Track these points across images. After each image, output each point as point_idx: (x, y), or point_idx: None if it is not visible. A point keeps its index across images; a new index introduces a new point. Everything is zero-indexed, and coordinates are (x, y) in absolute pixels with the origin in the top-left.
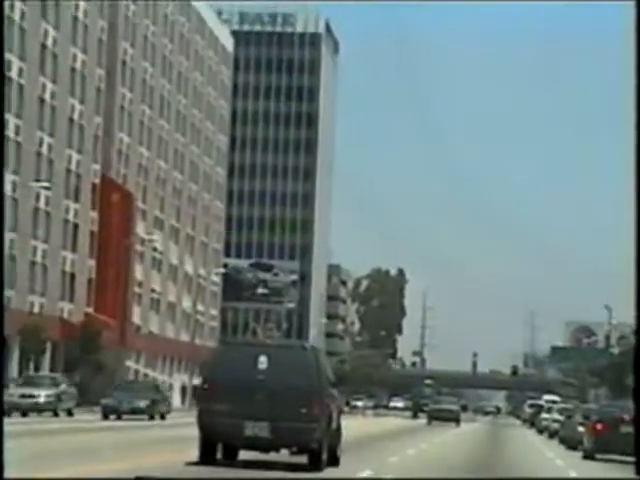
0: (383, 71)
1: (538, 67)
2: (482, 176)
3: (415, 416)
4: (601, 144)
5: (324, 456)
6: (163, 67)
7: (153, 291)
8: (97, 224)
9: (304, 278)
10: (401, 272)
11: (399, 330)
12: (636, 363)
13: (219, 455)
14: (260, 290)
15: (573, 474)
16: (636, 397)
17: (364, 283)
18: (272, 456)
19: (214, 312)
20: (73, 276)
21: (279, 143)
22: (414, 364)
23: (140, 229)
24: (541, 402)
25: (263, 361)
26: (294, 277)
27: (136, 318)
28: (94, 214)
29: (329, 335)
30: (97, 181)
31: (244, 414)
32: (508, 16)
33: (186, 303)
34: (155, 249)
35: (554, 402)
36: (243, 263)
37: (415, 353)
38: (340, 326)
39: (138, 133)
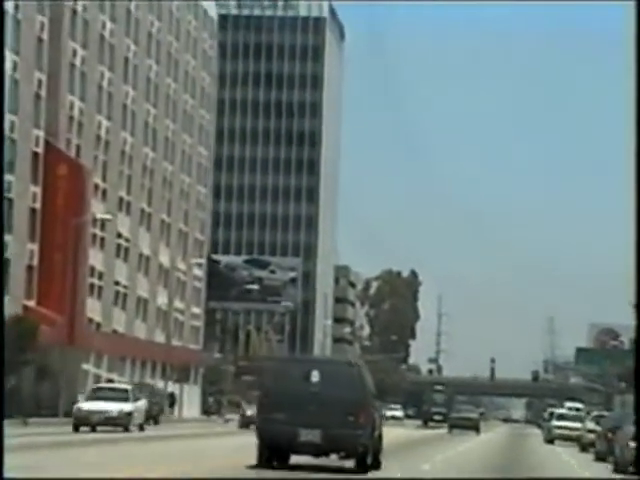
0: (392, 59)
1: (538, 67)
2: (497, 179)
3: (425, 424)
4: (603, 144)
5: (369, 460)
6: (127, 24)
7: (117, 284)
8: (40, 201)
9: (308, 278)
10: (414, 274)
11: (412, 335)
12: (636, 363)
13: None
14: (249, 287)
15: None
16: (636, 399)
17: (374, 285)
18: (322, 460)
19: (197, 310)
20: (7, 262)
21: (281, 135)
22: (430, 371)
23: (99, 211)
24: (562, 410)
25: (315, 375)
26: (293, 275)
27: (96, 314)
28: (36, 189)
29: (337, 340)
30: (40, 150)
31: (299, 422)
32: (508, 16)
33: (161, 299)
34: (120, 235)
35: (577, 410)
36: (237, 259)
37: (431, 360)
38: (348, 330)
39: (95, 98)
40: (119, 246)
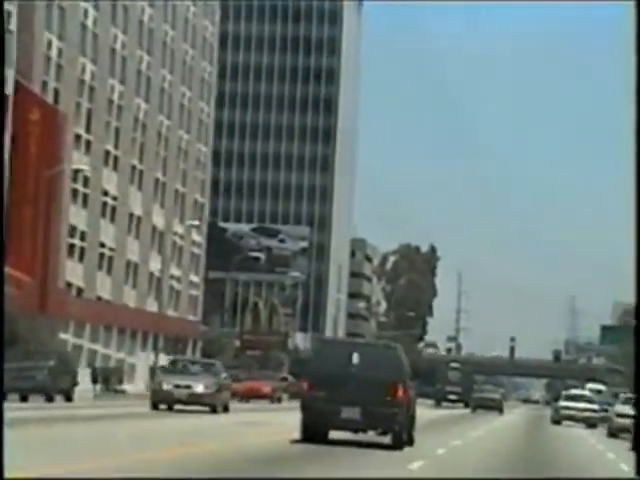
0: (410, 26)
1: (538, 67)
2: (523, 156)
3: (438, 404)
4: (602, 144)
5: (404, 437)
6: None
7: (103, 246)
8: (8, 149)
9: (322, 251)
10: (433, 249)
11: (429, 312)
12: (637, 362)
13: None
14: (254, 254)
15: None
16: (637, 396)
17: (391, 260)
18: (360, 436)
19: (195, 278)
20: None
21: (296, 101)
22: (449, 350)
23: (81, 164)
24: (580, 391)
25: (356, 357)
26: (304, 244)
27: (76, 279)
28: (4, 136)
29: (352, 316)
30: (8, 92)
31: (340, 400)
32: (508, 16)
33: (154, 265)
34: (106, 193)
35: (599, 392)
36: (244, 227)
37: (450, 339)
38: (363, 305)
39: (78, 38)
40: (105, 205)
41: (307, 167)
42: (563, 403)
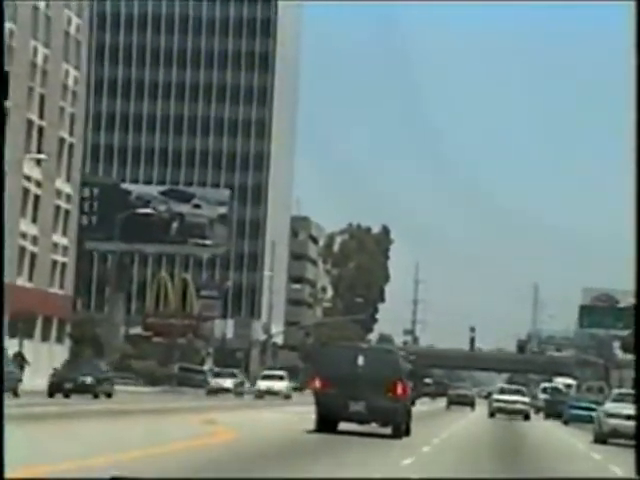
0: None
1: (537, 67)
2: (484, 127)
3: None
4: (600, 132)
5: (403, 428)
6: None
7: None
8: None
9: (258, 228)
10: (385, 230)
11: (381, 297)
12: (637, 360)
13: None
14: (147, 211)
15: None
16: (637, 394)
17: (338, 241)
18: (364, 427)
19: (62, 240)
20: None
21: (228, 56)
22: (405, 344)
23: None
24: (559, 385)
25: (360, 359)
26: (222, 210)
27: None
28: None
29: (294, 302)
30: None
31: (348, 396)
32: (507, 16)
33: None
34: None
35: (568, 386)
36: (152, 190)
37: (407, 332)
38: (308, 291)
39: None
40: None
41: (241, 132)
42: (496, 396)
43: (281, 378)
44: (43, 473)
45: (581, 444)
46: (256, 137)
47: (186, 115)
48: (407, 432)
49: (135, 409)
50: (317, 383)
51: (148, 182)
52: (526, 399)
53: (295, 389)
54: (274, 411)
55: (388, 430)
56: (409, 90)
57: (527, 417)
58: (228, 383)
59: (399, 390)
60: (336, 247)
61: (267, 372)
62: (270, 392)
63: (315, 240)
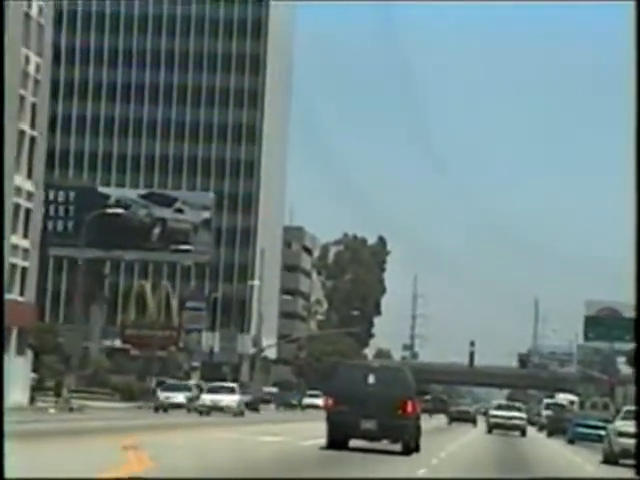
0: None
1: (537, 66)
2: (487, 142)
3: None
4: (600, 145)
5: (412, 445)
6: None
7: None
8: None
9: (248, 236)
10: (382, 240)
11: (377, 311)
12: (637, 362)
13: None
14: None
15: None
16: (637, 398)
17: (333, 252)
18: (374, 444)
19: (22, 242)
20: None
21: (218, 58)
22: (404, 359)
23: None
24: (562, 401)
25: (372, 378)
26: (206, 215)
27: None
28: None
29: (287, 315)
30: None
31: (360, 414)
32: (507, 16)
33: None
34: None
35: (572, 403)
36: (131, 193)
37: (406, 347)
38: (302, 304)
39: None
40: None
41: (230, 137)
42: (493, 412)
43: (232, 391)
44: None
45: (590, 465)
46: (246, 142)
47: (173, 120)
48: (417, 449)
49: (68, 428)
50: (329, 401)
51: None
52: (523, 415)
53: (248, 405)
54: (230, 430)
55: (398, 447)
56: (407, 94)
57: (524, 433)
58: (180, 398)
59: (409, 408)
60: (331, 258)
61: (215, 384)
62: (216, 407)
63: (309, 251)
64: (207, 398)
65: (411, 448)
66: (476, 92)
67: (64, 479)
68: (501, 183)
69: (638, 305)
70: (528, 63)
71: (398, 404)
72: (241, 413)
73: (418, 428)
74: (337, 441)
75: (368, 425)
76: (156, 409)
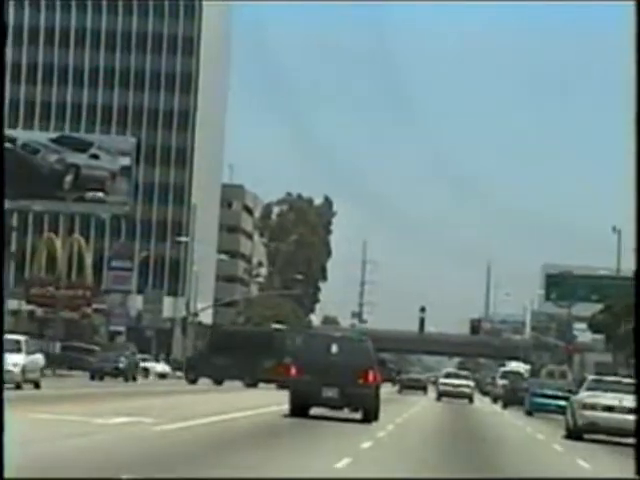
0: None
1: (536, 66)
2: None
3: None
4: (600, 145)
5: (372, 413)
6: None
7: None
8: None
9: (182, 193)
10: (327, 201)
11: (323, 275)
12: (637, 356)
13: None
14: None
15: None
16: (637, 390)
17: (276, 212)
18: (336, 412)
19: None
20: None
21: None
22: (352, 326)
23: None
24: (520, 369)
25: (334, 347)
26: (126, 162)
27: None
28: None
29: (226, 279)
30: None
31: (322, 382)
32: (507, 15)
33: None
34: None
35: (518, 373)
36: (41, 137)
37: (354, 314)
38: (243, 266)
39: None
40: None
41: (164, 86)
42: (442, 380)
43: (15, 348)
44: None
45: (540, 435)
46: (181, 92)
47: (102, 66)
48: (376, 417)
49: None
50: (293, 370)
51: None
52: (470, 383)
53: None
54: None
55: (358, 415)
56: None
57: (471, 400)
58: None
59: (370, 377)
60: (274, 219)
61: None
62: None
63: (250, 211)
64: None
65: (371, 416)
66: (473, 90)
67: (64, 479)
68: (462, 138)
69: (637, 293)
70: (526, 63)
71: (360, 373)
72: (34, 384)
73: (378, 397)
74: (299, 409)
75: (330, 393)
76: (92, 377)
